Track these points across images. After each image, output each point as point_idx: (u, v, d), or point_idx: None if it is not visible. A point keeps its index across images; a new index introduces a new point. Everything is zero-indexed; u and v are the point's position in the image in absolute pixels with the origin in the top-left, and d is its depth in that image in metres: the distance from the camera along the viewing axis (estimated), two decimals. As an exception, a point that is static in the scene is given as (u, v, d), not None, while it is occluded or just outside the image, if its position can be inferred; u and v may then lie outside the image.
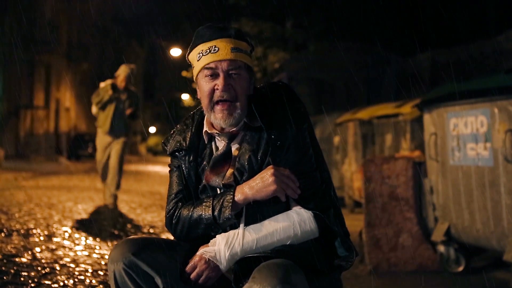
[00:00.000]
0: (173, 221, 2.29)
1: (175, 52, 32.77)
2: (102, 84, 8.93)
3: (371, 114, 8.59)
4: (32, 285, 4.12)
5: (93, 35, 35.81)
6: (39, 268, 4.64)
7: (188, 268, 2.16)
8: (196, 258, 2.16)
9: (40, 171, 18.18)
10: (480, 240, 4.84)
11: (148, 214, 8.77)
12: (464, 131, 4.86)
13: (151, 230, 7.15)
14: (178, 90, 45.31)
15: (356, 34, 14.77)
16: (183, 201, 2.31)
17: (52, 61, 31.88)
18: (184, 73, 34.54)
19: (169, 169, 2.43)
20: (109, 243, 6.03)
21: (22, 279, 4.26)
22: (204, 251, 2.16)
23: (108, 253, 5.40)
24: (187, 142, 2.35)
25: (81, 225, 7.13)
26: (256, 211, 2.19)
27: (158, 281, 2.12)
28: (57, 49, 31.31)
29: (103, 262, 5.07)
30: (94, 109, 9.02)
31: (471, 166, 4.80)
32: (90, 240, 6.13)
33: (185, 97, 44.16)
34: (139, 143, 62.02)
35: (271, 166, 2.17)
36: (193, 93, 37.35)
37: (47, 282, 4.23)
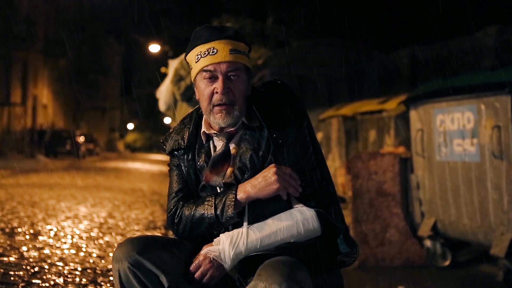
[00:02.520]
0: (175, 220, 2.28)
1: (154, 48, 32.55)
2: (174, 61, 5.95)
3: (354, 110, 8.65)
4: (22, 284, 4.09)
5: (70, 31, 35.47)
6: (28, 267, 4.60)
7: (192, 267, 2.16)
8: (200, 258, 2.16)
9: (19, 169, 17.98)
10: (467, 235, 4.90)
11: (133, 211, 8.73)
12: (451, 127, 4.92)
13: (136, 228, 7.13)
14: (157, 87, 45.04)
15: (337, 30, 14.83)
16: (184, 200, 2.30)
17: (29, 58, 31.54)
18: (163, 69, 34.41)
19: (168, 168, 2.42)
20: (96, 242, 6.00)
21: (12, 278, 4.23)
22: (208, 251, 2.16)
23: (96, 252, 5.40)
24: (185, 141, 2.35)
25: (66, 224, 7.08)
26: (258, 209, 2.20)
27: (163, 279, 2.11)
28: (34, 45, 30.98)
29: (91, 261, 5.05)
30: (163, 104, 6.13)
31: (457, 162, 4.86)
32: (76, 239, 6.09)
33: (164, 93, 43.89)
34: (117, 140, 61.69)
35: (273, 164, 2.17)
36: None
37: (36, 281, 4.20)
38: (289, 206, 2.23)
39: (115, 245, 5.85)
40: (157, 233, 6.84)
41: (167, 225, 2.36)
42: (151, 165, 29.89)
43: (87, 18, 39.23)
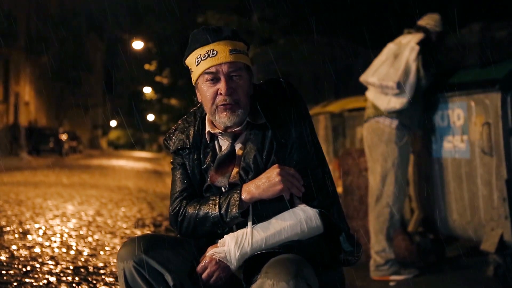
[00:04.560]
0: (179, 219, 2.29)
1: (137, 45, 32.41)
2: (392, 44, 5.04)
3: (342, 107, 8.66)
4: (15, 284, 4.06)
5: (53, 28, 35.19)
6: (20, 266, 4.57)
7: (199, 269, 2.17)
8: (206, 259, 2.17)
9: (2, 167, 17.82)
10: (456, 231, 4.95)
11: (120, 209, 8.71)
12: (441, 124, 4.96)
13: (124, 225, 7.11)
14: (140, 83, 44.86)
15: (323, 27, 14.87)
16: (187, 199, 2.31)
17: (11, 55, 31.24)
18: (146, 66, 34.28)
19: (171, 166, 2.42)
20: (85, 240, 5.98)
21: (5, 277, 4.20)
22: (214, 252, 2.17)
23: (87, 250, 5.37)
24: (191, 141, 2.35)
25: (54, 222, 7.04)
26: (261, 208, 2.21)
27: (168, 278, 2.12)
28: (16, 42, 30.69)
29: (82, 259, 5.03)
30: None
31: (448, 158, 4.90)
32: (66, 237, 6.06)
33: (147, 90, 43.84)
34: (100, 137, 61.38)
35: (276, 165, 2.18)
36: (155, 86, 37.05)
37: (29, 280, 4.18)
38: (292, 205, 2.25)
39: (106, 243, 5.84)
40: (147, 231, 6.84)
41: (170, 224, 2.36)
42: (135, 163, 29.83)
43: (69, 15, 38.93)
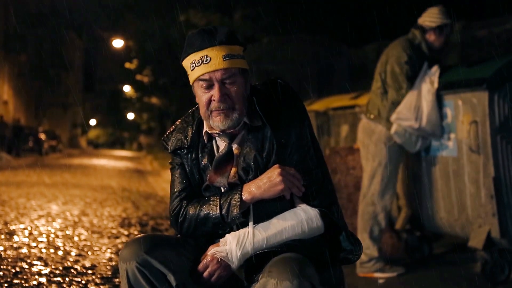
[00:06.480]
0: (179, 219, 2.29)
1: (118, 43, 32.20)
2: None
3: (326, 105, 8.70)
4: (5, 285, 4.03)
5: (31, 26, 34.83)
6: (9, 267, 4.54)
7: (200, 267, 2.18)
8: (208, 258, 2.18)
9: (-19, 167, 17.64)
10: (444, 228, 5.00)
11: (105, 208, 8.66)
12: (428, 122, 4.99)
13: (110, 225, 7.08)
14: (120, 82, 44.57)
15: (306, 25, 14.91)
16: (187, 199, 2.31)
17: (-11, 53, 30.89)
18: (127, 65, 34.03)
19: (170, 166, 2.42)
20: (72, 240, 5.94)
21: (-6, 279, 4.18)
22: (216, 251, 2.18)
23: (74, 250, 5.34)
24: (189, 141, 2.35)
25: (40, 222, 6.98)
26: (261, 208, 2.22)
27: (171, 278, 2.13)
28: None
29: (71, 259, 5.01)
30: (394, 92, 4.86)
31: (435, 156, 4.95)
32: (52, 237, 6.02)
33: (127, 88, 43.58)
34: (80, 136, 60.91)
35: (277, 165, 2.19)
36: (135, 84, 36.84)
37: (19, 281, 4.15)
38: (292, 205, 2.26)
39: (93, 243, 5.81)
40: (133, 230, 6.81)
41: (170, 224, 2.37)
42: (117, 162, 29.65)
43: (48, 12, 38.55)
